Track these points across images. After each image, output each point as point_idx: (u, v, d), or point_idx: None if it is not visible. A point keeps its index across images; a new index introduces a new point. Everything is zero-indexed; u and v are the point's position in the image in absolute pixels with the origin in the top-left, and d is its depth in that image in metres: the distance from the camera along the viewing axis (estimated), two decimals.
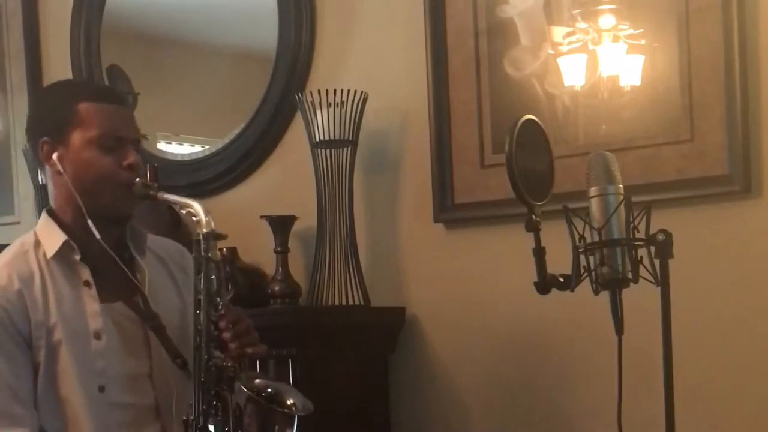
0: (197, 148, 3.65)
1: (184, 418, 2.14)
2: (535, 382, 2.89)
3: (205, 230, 2.17)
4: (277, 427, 2.17)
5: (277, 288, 3.11)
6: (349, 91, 3.03)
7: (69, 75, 3.89)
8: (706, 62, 2.62)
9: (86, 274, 2.23)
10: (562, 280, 2.21)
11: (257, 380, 2.18)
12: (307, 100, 3.07)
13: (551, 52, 2.84)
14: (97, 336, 2.20)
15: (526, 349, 2.91)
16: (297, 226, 3.17)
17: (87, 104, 2.23)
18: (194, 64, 3.71)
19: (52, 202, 2.32)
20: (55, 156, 2.23)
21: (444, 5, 3.04)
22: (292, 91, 3.26)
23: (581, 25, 2.76)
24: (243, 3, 3.56)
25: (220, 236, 2.19)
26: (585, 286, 2.17)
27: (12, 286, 2.18)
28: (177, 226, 3.40)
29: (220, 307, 2.17)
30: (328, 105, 3.03)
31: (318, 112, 3.04)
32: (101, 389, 2.19)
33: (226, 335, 2.15)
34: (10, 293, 2.18)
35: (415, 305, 3.10)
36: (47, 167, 2.28)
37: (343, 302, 3.04)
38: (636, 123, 2.72)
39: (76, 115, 2.22)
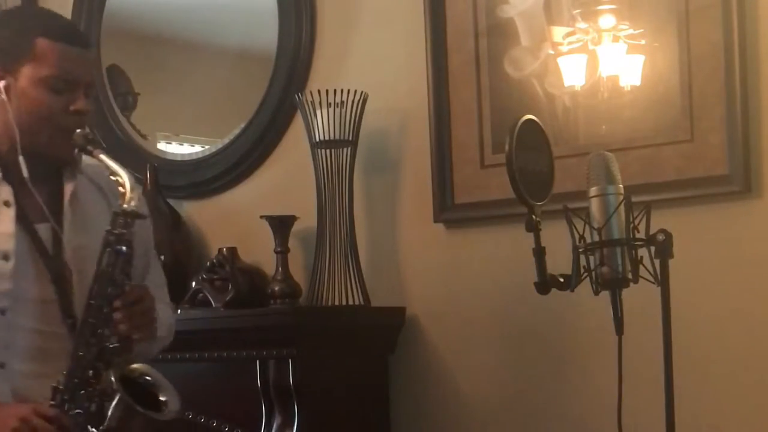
0: (197, 148, 3.64)
1: (54, 384, 2.09)
2: (535, 382, 2.89)
3: (125, 207, 2.12)
4: (136, 422, 2.08)
5: (277, 288, 3.11)
6: (349, 91, 3.03)
7: None
8: (706, 62, 2.62)
9: (6, 192, 2.17)
10: (562, 280, 2.21)
11: (135, 368, 2.11)
12: (307, 100, 3.07)
13: (551, 52, 2.84)
14: (5, 257, 2.14)
15: (527, 349, 2.91)
16: (297, 226, 3.17)
17: (46, 40, 2.15)
18: (194, 64, 3.71)
19: None
20: (2, 84, 2.16)
21: (444, 5, 3.04)
22: (292, 91, 3.26)
23: (581, 25, 2.76)
24: (243, 3, 3.56)
25: (139, 216, 2.14)
26: (585, 286, 2.17)
27: None
28: (177, 226, 3.41)
29: (120, 283, 2.10)
30: (328, 105, 3.03)
31: (318, 112, 3.04)
32: (2, 312, 2.13)
33: (118, 315, 2.09)
34: None
35: (415, 305, 3.10)
36: None
37: (343, 302, 3.04)
38: (636, 123, 2.72)
39: (32, 49, 2.15)
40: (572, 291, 2.19)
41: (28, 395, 2.13)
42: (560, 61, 2.81)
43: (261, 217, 3.15)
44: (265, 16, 3.39)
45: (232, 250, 3.23)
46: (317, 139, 3.06)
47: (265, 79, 3.38)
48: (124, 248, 2.11)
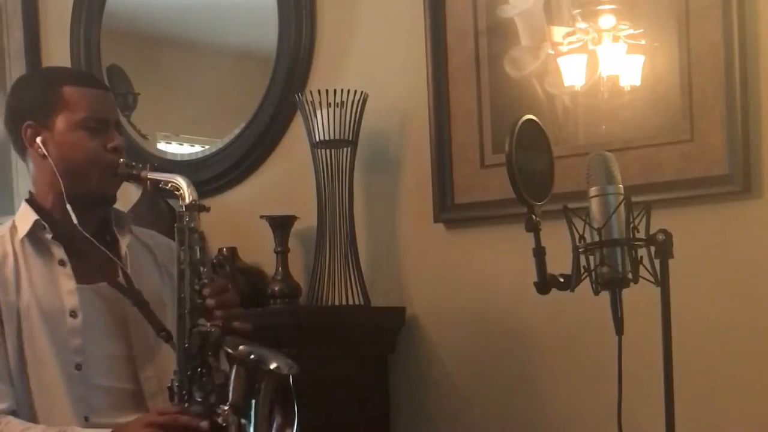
0: (197, 148, 3.64)
1: (169, 385, 2.14)
2: (535, 382, 2.89)
3: (187, 201, 2.19)
4: (263, 387, 2.14)
5: (277, 288, 3.11)
6: (349, 91, 3.03)
7: None
8: (706, 62, 2.62)
9: (60, 252, 2.24)
10: (562, 280, 2.21)
11: (241, 346, 2.15)
12: (307, 100, 3.07)
13: (551, 52, 2.84)
14: (73, 314, 2.20)
15: (526, 349, 2.91)
16: (297, 226, 3.17)
17: (71, 88, 2.25)
18: (194, 64, 3.71)
19: (33, 189, 2.33)
20: (39, 140, 2.24)
21: (444, 5, 3.04)
22: (292, 91, 3.26)
23: (581, 25, 2.76)
24: (243, 3, 3.56)
25: (202, 207, 2.21)
26: (585, 286, 2.17)
27: None
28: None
29: (203, 276, 2.16)
30: (328, 105, 3.03)
31: (318, 112, 3.04)
32: (78, 367, 2.18)
33: (210, 302, 2.15)
34: None
35: (415, 305, 3.10)
36: (30, 152, 2.28)
37: (343, 302, 3.04)
38: (636, 123, 2.72)
39: (62, 99, 2.24)
40: (572, 291, 2.19)
41: None
42: (560, 61, 2.81)
43: (261, 217, 3.15)
44: (265, 16, 3.39)
45: (232, 250, 3.23)
46: (317, 139, 3.06)
47: (265, 79, 3.38)
48: (197, 239, 2.18)
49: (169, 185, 2.23)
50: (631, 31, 2.70)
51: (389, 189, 3.17)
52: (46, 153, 2.24)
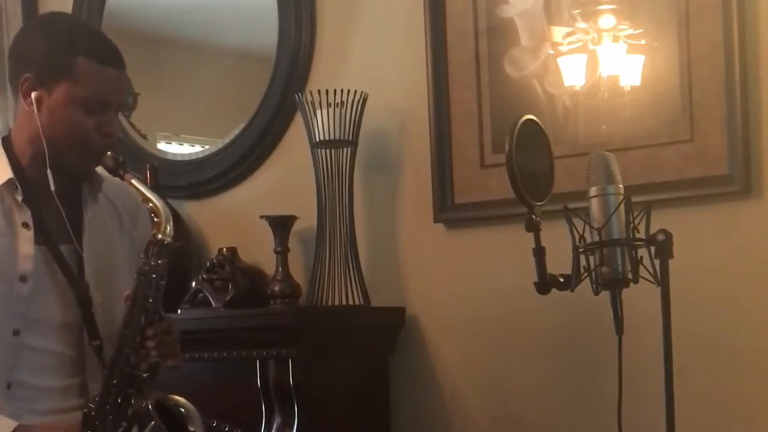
0: (197, 148, 3.64)
1: (85, 410, 2.10)
2: (534, 381, 2.89)
3: (160, 237, 2.12)
4: None
5: (277, 288, 3.11)
6: (349, 91, 3.03)
7: None
8: (706, 62, 2.62)
9: (26, 215, 2.16)
10: (562, 280, 2.21)
11: (172, 396, 2.15)
12: (307, 100, 3.07)
13: (551, 52, 2.84)
14: (23, 279, 2.13)
15: (526, 349, 2.91)
16: (297, 226, 3.17)
17: (87, 61, 2.13)
18: (194, 64, 3.71)
19: (12, 133, 2.23)
20: (33, 95, 2.14)
21: (444, 5, 3.04)
22: (292, 91, 3.26)
23: (581, 25, 2.76)
24: (243, 3, 3.56)
25: (173, 251, 2.13)
26: (585, 286, 2.17)
27: None
28: (177, 226, 3.40)
29: (153, 314, 2.11)
30: (328, 105, 3.03)
31: (318, 112, 3.04)
32: (16, 333, 2.12)
33: (150, 344, 2.10)
34: None
35: (415, 305, 3.10)
36: (21, 101, 2.18)
37: (343, 302, 3.04)
38: (636, 123, 2.72)
39: (73, 68, 2.13)
40: (572, 291, 2.19)
41: (32, 407, 2.14)
42: (560, 61, 2.81)
43: (261, 217, 3.15)
44: (265, 16, 3.39)
45: (232, 250, 3.23)
46: (317, 139, 3.06)
47: (265, 79, 3.38)
48: (157, 279, 2.11)
49: (149, 205, 2.15)
50: (631, 31, 2.70)
51: (389, 189, 3.17)
52: (36, 111, 2.13)
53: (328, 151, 3.06)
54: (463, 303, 3.01)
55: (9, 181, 2.16)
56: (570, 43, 2.78)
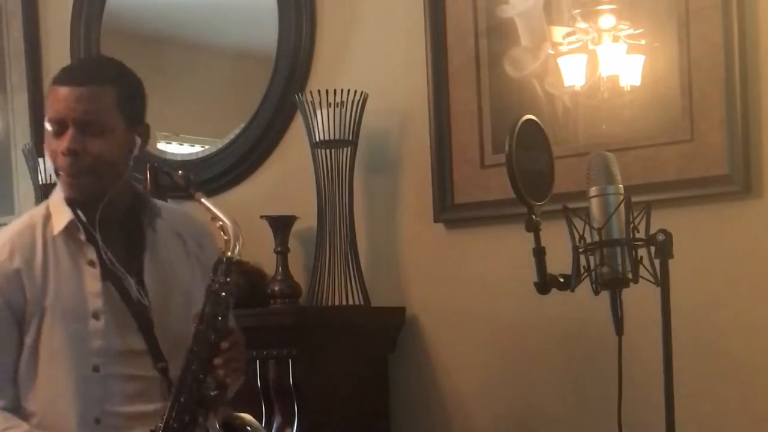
0: (197, 148, 3.64)
1: (152, 429, 2.12)
2: (535, 381, 2.89)
3: (230, 254, 2.16)
4: None
5: (277, 288, 3.11)
6: (349, 91, 3.03)
7: None
8: (706, 62, 2.62)
9: (90, 253, 2.21)
10: (562, 280, 2.21)
11: (238, 414, 2.17)
12: (307, 100, 3.07)
13: (551, 52, 2.84)
14: (96, 316, 2.18)
15: (526, 349, 2.91)
16: (297, 226, 3.17)
17: (51, 87, 2.21)
18: (194, 64, 3.71)
19: None
20: None
21: (444, 5, 3.04)
22: (292, 91, 3.26)
23: (581, 25, 2.76)
24: (243, 3, 3.56)
25: (242, 267, 2.20)
26: (585, 286, 2.17)
27: (11, 264, 2.18)
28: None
29: (222, 332, 2.14)
30: (328, 105, 3.03)
31: (318, 112, 3.04)
32: (96, 369, 2.17)
33: (218, 361, 2.13)
34: (9, 270, 2.17)
35: (415, 305, 3.10)
36: None
37: (343, 302, 3.04)
38: (636, 123, 2.72)
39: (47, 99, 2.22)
40: (572, 291, 2.19)
41: None
42: (560, 61, 2.81)
43: (261, 217, 3.15)
44: (265, 16, 3.39)
45: None
46: (317, 139, 3.06)
47: (265, 79, 3.38)
48: (227, 296, 2.15)
49: (218, 223, 2.18)
50: (631, 31, 2.70)
51: (389, 189, 3.17)
52: None
53: (328, 151, 3.06)
54: (463, 303, 3.01)
55: (71, 223, 2.21)
56: (570, 43, 2.78)
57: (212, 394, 2.12)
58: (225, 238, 2.17)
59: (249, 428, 2.18)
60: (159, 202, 2.34)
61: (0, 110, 4.09)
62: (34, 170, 3.61)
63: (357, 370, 3.04)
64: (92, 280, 2.20)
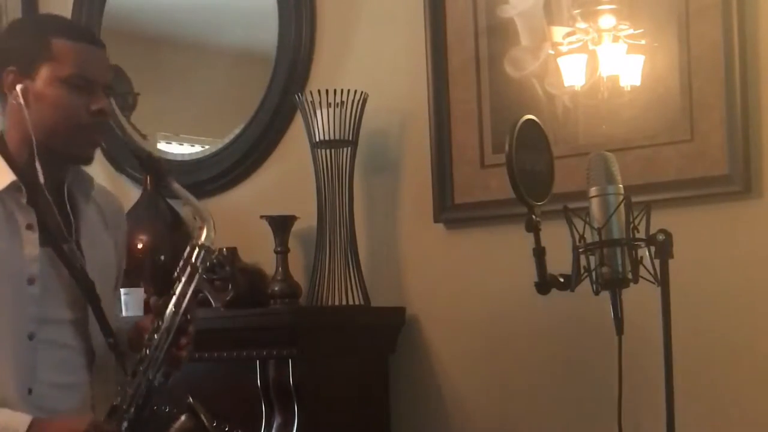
0: (197, 148, 3.65)
1: (115, 403, 2.11)
2: (535, 382, 2.89)
3: (203, 242, 2.16)
4: None
5: (277, 288, 3.11)
6: (349, 91, 3.03)
7: None
8: (706, 62, 2.62)
9: (30, 217, 2.14)
10: (562, 280, 2.21)
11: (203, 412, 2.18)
12: (307, 100, 3.07)
13: (551, 52, 2.84)
14: (31, 281, 2.12)
15: (526, 349, 2.91)
16: (297, 226, 3.17)
17: (62, 40, 2.13)
18: (194, 64, 3.71)
19: (5, 135, 2.21)
20: (18, 88, 2.13)
21: (444, 5, 3.04)
22: (292, 91, 3.26)
23: (581, 25, 2.76)
24: (243, 3, 3.56)
25: (211, 254, 2.18)
26: (585, 286, 2.18)
27: None
28: (177, 226, 3.41)
29: (189, 329, 2.16)
30: (328, 105, 3.03)
31: (318, 112, 3.04)
32: (30, 336, 2.12)
33: (183, 341, 2.15)
34: None
35: (415, 305, 3.10)
36: (8, 98, 2.16)
37: (343, 302, 3.04)
38: (636, 123, 2.72)
39: (49, 50, 2.12)
40: (572, 291, 2.19)
41: (55, 407, 2.13)
42: (560, 61, 2.81)
43: (261, 217, 3.15)
44: (265, 16, 3.39)
45: (232, 250, 3.23)
46: (317, 139, 3.06)
47: (265, 79, 3.38)
48: (200, 281, 2.15)
49: (191, 210, 2.19)
50: (631, 31, 2.70)
51: (389, 189, 3.17)
52: (23, 103, 2.12)
53: (328, 151, 3.06)
54: (463, 303, 3.01)
55: (12, 184, 2.14)
56: (570, 43, 2.78)
57: (174, 372, 2.15)
58: (199, 225, 2.17)
59: (215, 423, 2.17)
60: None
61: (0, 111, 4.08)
62: None
63: (357, 370, 3.04)
64: (30, 245, 2.13)
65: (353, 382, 3.02)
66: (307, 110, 3.07)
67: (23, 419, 2.04)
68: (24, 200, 2.14)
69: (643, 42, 2.70)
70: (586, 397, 2.77)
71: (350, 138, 3.05)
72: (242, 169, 3.46)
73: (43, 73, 2.13)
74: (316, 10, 3.32)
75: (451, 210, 3.03)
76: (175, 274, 2.17)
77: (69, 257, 2.17)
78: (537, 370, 2.89)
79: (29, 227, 2.14)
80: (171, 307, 2.14)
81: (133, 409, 2.11)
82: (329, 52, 3.30)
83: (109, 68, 2.22)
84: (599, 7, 2.73)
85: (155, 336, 2.13)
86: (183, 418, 2.15)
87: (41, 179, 2.12)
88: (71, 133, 2.14)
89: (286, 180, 3.36)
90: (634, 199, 2.15)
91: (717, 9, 2.60)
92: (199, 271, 2.15)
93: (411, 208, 3.12)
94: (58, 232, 2.17)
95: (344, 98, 3.03)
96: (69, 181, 2.23)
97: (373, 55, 3.21)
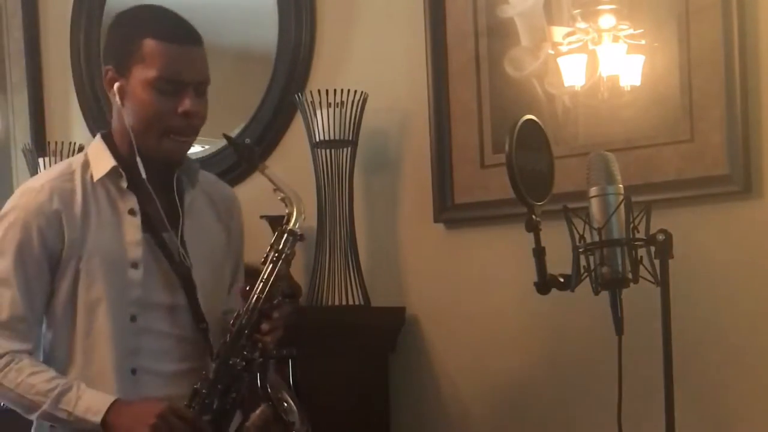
0: (197, 148, 3.64)
1: (195, 386, 2.14)
2: (535, 382, 2.89)
3: (291, 228, 2.21)
4: None
5: None
6: (349, 91, 3.03)
7: (69, 75, 3.89)
8: (706, 62, 2.62)
9: (132, 201, 2.20)
10: (562, 280, 2.21)
11: (282, 389, 2.19)
12: (307, 100, 3.07)
13: (551, 52, 2.84)
14: (135, 265, 2.18)
15: (526, 349, 2.91)
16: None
17: (152, 41, 2.16)
18: None
19: (111, 128, 2.28)
20: (116, 86, 2.19)
21: (444, 5, 3.04)
22: (292, 91, 3.26)
23: (581, 25, 2.76)
24: (243, 3, 3.56)
25: (301, 239, 2.24)
26: (585, 286, 2.18)
27: (51, 205, 2.16)
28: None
29: (275, 303, 2.18)
30: (328, 105, 3.03)
31: (318, 112, 3.04)
32: (133, 318, 2.17)
33: (265, 327, 2.16)
34: (48, 212, 2.16)
35: (415, 305, 3.10)
36: (110, 94, 2.24)
37: (343, 302, 3.04)
38: (636, 123, 2.72)
39: (139, 51, 2.16)
40: (572, 291, 2.19)
41: (157, 395, 2.17)
42: (560, 61, 2.80)
43: (261, 217, 3.15)
44: (265, 16, 3.39)
45: None
46: (317, 139, 3.06)
47: (265, 79, 3.38)
48: (285, 265, 2.20)
49: (280, 196, 2.24)
50: (631, 31, 2.70)
51: (389, 189, 3.17)
52: (119, 101, 2.19)
53: (328, 151, 3.06)
54: (463, 303, 3.01)
55: (113, 170, 2.20)
56: (570, 43, 2.77)
57: (259, 360, 2.15)
58: (288, 212, 2.21)
59: (286, 404, 2.19)
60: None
61: (0, 110, 4.09)
62: (33, 170, 3.61)
63: (357, 370, 3.04)
64: (132, 229, 2.19)
65: (353, 382, 3.02)
66: (307, 110, 3.07)
67: (106, 399, 2.10)
68: (125, 185, 2.20)
69: (643, 42, 2.70)
70: (586, 397, 2.77)
71: (350, 138, 3.05)
72: (242, 169, 3.45)
73: (135, 74, 2.18)
74: (316, 10, 3.32)
75: (451, 210, 3.03)
76: (262, 259, 2.21)
77: (168, 245, 2.21)
78: (537, 370, 2.89)
79: (131, 212, 2.20)
80: (255, 292, 2.17)
81: (215, 396, 2.13)
82: (329, 52, 3.30)
83: (201, 65, 2.24)
84: (599, 7, 2.72)
85: (239, 321, 2.16)
86: (262, 406, 2.15)
87: (143, 174, 2.18)
88: (159, 136, 2.19)
89: (286, 180, 3.36)
90: (634, 199, 2.15)
91: (717, 9, 2.59)
92: (284, 256, 2.19)
93: (411, 208, 3.12)
94: (159, 221, 2.21)
95: (344, 98, 3.03)
96: (179, 172, 2.28)
97: (373, 55, 3.21)
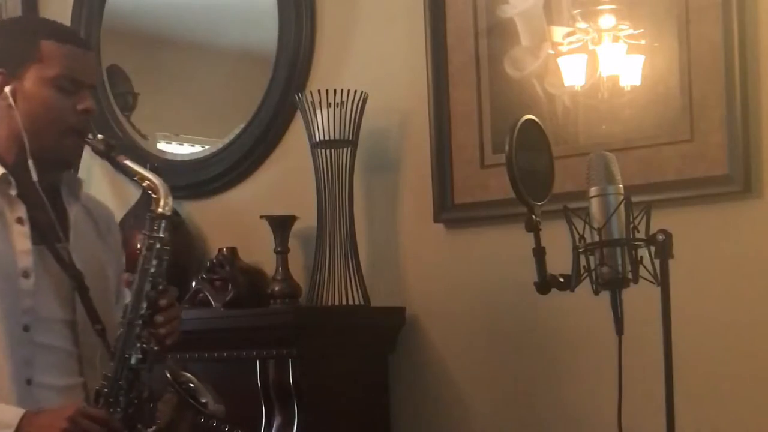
0: (197, 148, 3.65)
1: (97, 387, 2.11)
2: (535, 382, 2.89)
3: (160, 210, 2.15)
4: (183, 422, 2.14)
5: (277, 288, 3.11)
6: (349, 91, 3.03)
7: None
8: (706, 62, 2.62)
9: (21, 210, 2.16)
10: (562, 280, 2.21)
11: (182, 372, 2.16)
12: (307, 100, 3.07)
13: (551, 52, 2.84)
14: (26, 275, 2.14)
15: (527, 349, 2.91)
16: (297, 226, 3.17)
17: (50, 42, 2.17)
18: (194, 64, 3.71)
19: None
20: (7, 89, 2.16)
21: (444, 5, 3.04)
22: (292, 91, 3.26)
23: (581, 25, 2.76)
24: (243, 3, 3.56)
25: (173, 222, 2.19)
26: (585, 286, 2.17)
27: None
28: (177, 227, 3.40)
29: (160, 288, 2.13)
30: (328, 105, 3.03)
31: (318, 112, 3.04)
32: (26, 328, 2.13)
33: (159, 318, 2.12)
34: None
35: (415, 305, 3.10)
36: None
37: (343, 302, 3.04)
38: (636, 123, 2.72)
39: (38, 51, 2.16)
40: (572, 291, 2.19)
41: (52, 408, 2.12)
42: (560, 61, 2.81)
43: (261, 217, 3.15)
44: (265, 16, 3.39)
45: (232, 250, 3.23)
46: (317, 139, 3.06)
47: (265, 79, 3.38)
48: (161, 247, 2.14)
49: (145, 183, 2.17)
50: (631, 31, 2.70)
51: (389, 189, 3.17)
52: (12, 103, 2.15)
53: (328, 151, 3.06)
54: (463, 303, 3.01)
55: (2, 177, 2.16)
56: (570, 43, 2.78)
57: (155, 349, 2.11)
58: (155, 196, 2.16)
59: (192, 384, 2.17)
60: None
61: None
62: None
63: (357, 370, 3.04)
64: (21, 238, 2.15)
65: (353, 382, 3.02)
66: (307, 110, 3.07)
67: (16, 413, 2.05)
68: (14, 193, 2.16)
69: (643, 42, 2.70)
70: (586, 396, 2.77)
71: (350, 138, 3.05)
72: (242, 169, 3.45)
73: (31, 74, 2.16)
74: (316, 10, 3.32)
75: (451, 210, 3.03)
76: (138, 247, 2.16)
77: (62, 255, 2.18)
78: (537, 370, 2.89)
79: (19, 221, 2.16)
80: (135, 282, 2.14)
81: (119, 392, 2.10)
82: (329, 52, 3.30)
83: (94, 71, 2.27)
84: (599, 7, 2.73)
85: (128, 314, 2.13)
86: (166, 395, 2.13)
87: (34, 177, 2.13)
88: (58, 134, 2.16)
89: (286, 180, 3.36)
90: (634, 199, 2.15)
91: (717, 9, 2.60)
92: (159, 239, 2.14)
93: (411, 208, 3.12)
94: (51, 231, 2.18)
95: (344, 98, 3.03)
96: (62, 184, 2.25)
97: (373, 55, 3.21)
